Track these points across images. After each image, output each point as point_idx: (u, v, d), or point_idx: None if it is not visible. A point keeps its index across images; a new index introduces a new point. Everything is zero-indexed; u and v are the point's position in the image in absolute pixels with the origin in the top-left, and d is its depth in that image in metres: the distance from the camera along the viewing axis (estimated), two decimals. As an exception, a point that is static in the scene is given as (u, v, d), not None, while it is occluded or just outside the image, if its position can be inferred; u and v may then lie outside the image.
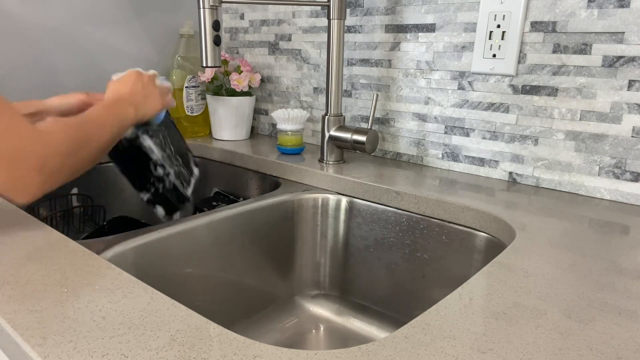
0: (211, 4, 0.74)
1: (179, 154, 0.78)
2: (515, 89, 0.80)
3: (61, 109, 0.74)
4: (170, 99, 0.76)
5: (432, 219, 0.73)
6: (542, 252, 0.55)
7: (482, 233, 0.69)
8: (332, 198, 0.84)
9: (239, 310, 0.78)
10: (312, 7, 1.05)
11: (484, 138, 0.85)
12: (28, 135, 0.51)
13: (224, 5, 1.22)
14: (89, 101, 0.75)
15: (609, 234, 0.61)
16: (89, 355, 0.35)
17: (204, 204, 1.02)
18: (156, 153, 0.72)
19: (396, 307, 0.80)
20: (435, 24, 0.87)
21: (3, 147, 0.49)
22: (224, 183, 1.04)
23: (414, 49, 0.90)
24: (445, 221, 0.72)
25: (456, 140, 0.88)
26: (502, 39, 0.79)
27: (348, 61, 1.01)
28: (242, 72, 1.10)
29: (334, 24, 0.86)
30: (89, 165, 0.59)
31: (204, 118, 1.18)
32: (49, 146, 0.53)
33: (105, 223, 0.94)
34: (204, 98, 1.17)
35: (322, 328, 0.84)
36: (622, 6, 0.69)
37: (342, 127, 0.90)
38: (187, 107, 1.14)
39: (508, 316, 0.41)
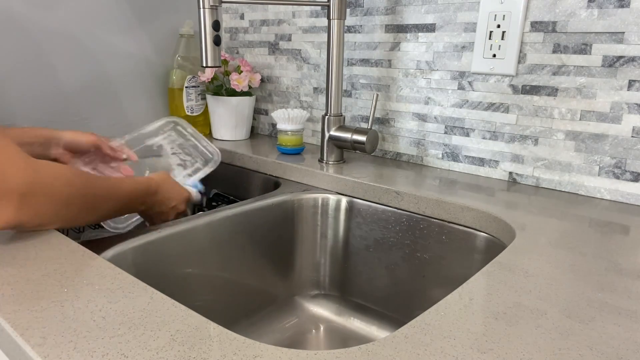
0: (211, 4, 0.74)
1: None
2: (515, 89, 0.80)
3: (71, 145, 0.77)
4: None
5: (432, 219, 0.73)
6: (542, 252, 0.55)
7: (482, 233, 0.69)
8: (332, 198, 0.84)
9: (239, 310, 0.78)
10: (312, 7, 1.05)
11: (484, 138, 0.85)
12: (17, 157, 0.49)
13: (224, 5, 1.22)
14: (98, 143, 0.77)
15: (609, 234, 0.61)
16: (89, 355, 0.35)
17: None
18: None
19: (396, 307, 0.80)
20: (435, 24, 0.87)
21: None
22: (223, 183, 1.04)
23: (414, 49, 0.90)
24: (445, 221, 0.72)
25: (456, 140, 0.88)
26: (502, 39, 0.79)
27: (348, 61, 1.01)
28: (242, 72, 1.10)
29: (334, 24, 0.86)
30: (79, 222, 0.58)
31: (204, 118, 1.18)
32: (41, 177, 0.51)
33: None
34: (204, 98, 1.17)
35: (322, 328, 0.84)
36: (622, 6, 0.69)
37: (342, 127, 0.90)
38: (187, 107, 1.14)
39: (508, 316, 0.41)
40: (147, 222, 0.72)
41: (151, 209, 0.69)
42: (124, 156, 0.80)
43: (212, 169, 0.86)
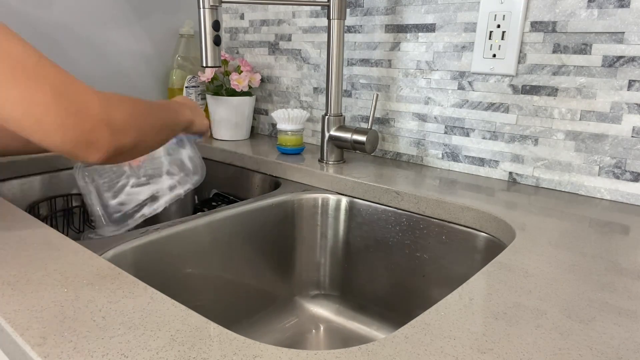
0: (211, 4, 0.74)
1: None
2: (515, 89, 0.80)
3: None
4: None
5: (432, 219, 0.73)
6: (542, 252, 0.55)
7: (482, 233, 0.69)
8: (332, 198, 0.84)
9: (239, 310, 0.78)
10: (312, 7, 1.05)
11: (484, 138, 0.85)
12: (87, 89, 0.51)
13: (224, 5, 1.22)
14: None
15: (609, 234, 0.61)
16: (89, 355, 0.35)
17: (203, 205, 1.02)
18: None
19: (396, 307, 0.80)
20: (435, 24, 0.87)
21: (69, 99, 0.48)
22: (223, 183, 1.04)
23: (414, 49, 0.90)
24: (445, 221, 0.72)
25: (456, 140, 0.88)
26: (502, 39, 0.79)
27: (348, 61, 1.01)
28: (242, 72, 1.10)
29: (334, 24, 0.86)
30: (150, 141, 0.60)
31: (204, 118, 1.18)
32: (111, 101, 0.53)
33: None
34: (204, 98, 1.17)
35: (322, 328, 0.84)
36: (622, 6, 0.69)
37: (342, 127, 0.90)
38: (187, 107, 1.14)
39: (508, 316, 0.41)
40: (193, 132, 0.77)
41: (193, 122, 0.73)
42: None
43: (193, 187, 0.83)
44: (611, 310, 0.43)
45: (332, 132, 0.90)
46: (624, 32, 0.69)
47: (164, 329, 0.38)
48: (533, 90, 0.78)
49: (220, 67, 0.87)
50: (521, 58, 0.78)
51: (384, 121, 0.98)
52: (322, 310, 0.87)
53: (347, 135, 0.88)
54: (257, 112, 1.23)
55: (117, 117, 0.53)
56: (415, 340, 0.38)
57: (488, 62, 0.81)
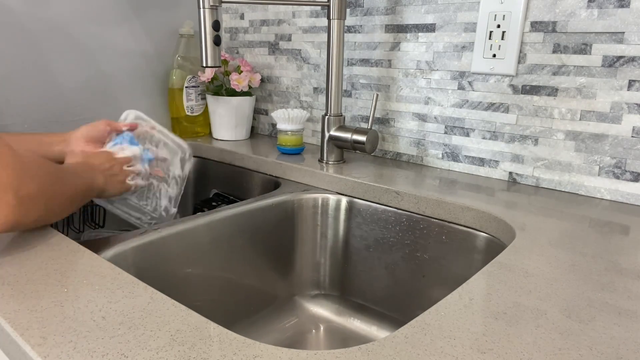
0: (211, 4, 0.74)
1: None
2: (515, 89, 0.80)
3: (89, 135, 0.75)
4: (134, 184, 0.73)
5: (432, 219, 0.73)
6: (542, 252, 0.55)
7: (482, 233, 0.69)
8: (332, 198, 0.84)
9: (239, 310, 0.78)
10: (312, 7, 1.05)
11: (484, 138, 0.85)
12: (4, 151, 0.47)
13: (224, 5, 1.22)
14: (111, 129, 0.76)
15: (609, 234, 0.61)
16: (89, 355, 0.35)
17: (203, 205, 1.02)
18: None
19: (396, 307, 0.80)
20: (435, 24, 0.87)
21: None
22: (223, 183, 1.04)
23: (414, 49, 0.90)
24: (445, 221, 0.72)
25: (456, 140, 0.88)
26: (502, 39, 0.79)
27: (348, 61, 1.01)
28: (242, 72, 1.10)
29: (334, 24, 0.86)
30: (58, 213, 0.56)
31: (204, 118, 1.18)
32: (26, 169, 0.49)
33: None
34: (204, 98, 1.17)
35: (322, 328, 0.84)
36: (622, 6, 0.69)
37: (342, 127, 0.90)
38: (187, 107, 1.14)
39: (508, 316, 0.41)
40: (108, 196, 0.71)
41: (104, 190, 0.67)
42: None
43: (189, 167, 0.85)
44: (611, 310, 0.43)
45: (332, 132, 0.90)
46: (624, 32, 0.69)
47: (164, 329, 0.38)
48: (533, 90, 0.78)
49: (220, 67, 0.87)
50: (521, 58, 0.78)
51: (384, 121, 0.98)
52: (322, 310, 0.87)
53: (347, 135, 0.88)
54: (257, 112, 1.23)
55: (29, 188, 0.48)
56: (415, 340, 0.38)
57: (488, 62, 0.81)
